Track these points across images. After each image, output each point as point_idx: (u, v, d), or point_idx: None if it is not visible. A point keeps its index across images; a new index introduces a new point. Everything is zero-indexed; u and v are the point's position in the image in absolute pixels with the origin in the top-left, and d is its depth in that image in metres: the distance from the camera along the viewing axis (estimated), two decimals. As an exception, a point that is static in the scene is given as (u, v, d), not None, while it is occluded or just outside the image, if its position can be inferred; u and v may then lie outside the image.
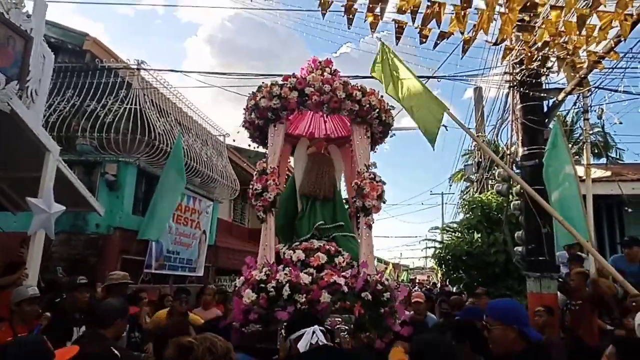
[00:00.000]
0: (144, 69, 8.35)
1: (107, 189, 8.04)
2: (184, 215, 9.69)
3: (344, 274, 4.49)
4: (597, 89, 6.21)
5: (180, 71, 9.50)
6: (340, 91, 4.86)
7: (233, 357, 1.78)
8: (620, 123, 7.07)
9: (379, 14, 4.52)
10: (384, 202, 5.06)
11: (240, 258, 13.46)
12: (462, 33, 4.66)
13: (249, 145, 6.19)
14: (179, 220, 9.48)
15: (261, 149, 6.20)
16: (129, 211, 8.36)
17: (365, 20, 4.68)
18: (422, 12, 4.55)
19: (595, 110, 6.84)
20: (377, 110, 5.07)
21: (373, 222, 4.92)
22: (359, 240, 5.05)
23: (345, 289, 4.29)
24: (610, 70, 5.49)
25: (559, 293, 5.84)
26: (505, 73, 7.10)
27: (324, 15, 4.53)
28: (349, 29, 4.71)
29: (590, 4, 3.92)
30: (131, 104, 7.96)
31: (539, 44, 4.84)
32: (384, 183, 5.04)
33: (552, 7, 4.17)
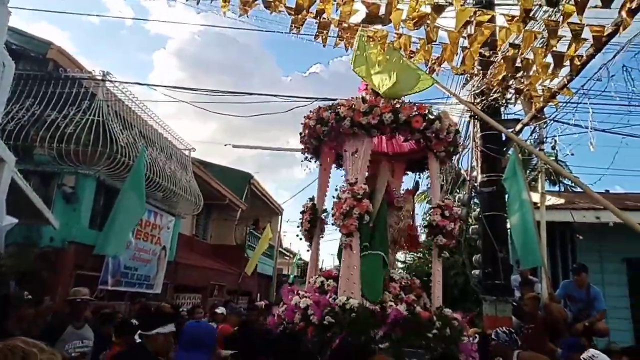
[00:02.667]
0: (110, 81, 8.21)
1: (64, 201, 7.78)
2: (144, 231, 9.45)
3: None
4: (552, 121, 6.54)
5: (147, 84, 9.42)
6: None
7: None
8: (572, 154, 7.45)
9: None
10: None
11: (201, 275, 13.29)
12: (427, 63, 4.86)
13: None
14: (139, 236, 9.24)
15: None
16: (85, 225, 8.09)
17: (336, 47, 4.83)
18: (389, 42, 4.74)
19: (549, 142, 7.18)
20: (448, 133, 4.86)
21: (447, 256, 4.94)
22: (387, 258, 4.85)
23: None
24: (564, 104, 5.81)
25: (513, 317, 6.03)
26: (469, 102, 7.38)
27: (298, 30, 4.57)
28: (324, 46, 4.81)
29: (546, 44, 4.17)
30: (94, 115, 7.79)
31: (499, 78, 5.10)
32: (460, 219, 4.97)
33: (511, 45, 4.41)
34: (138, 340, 3.09)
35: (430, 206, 5.02)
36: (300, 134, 5.29)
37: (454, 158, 5.30)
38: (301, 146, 5.49)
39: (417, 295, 4.69)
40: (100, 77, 8.13)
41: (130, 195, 7.79)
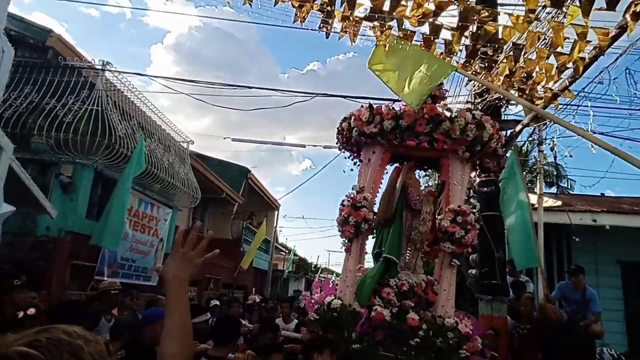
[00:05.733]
0: (109, 70, 8.15)
1: (61, 191, 7.74)
2: (141, 222, 9.42)
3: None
4: (552, 123, 6.54)
5: (147, 75, 9.34)
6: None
7: None
8: (571, 156, 7.48)
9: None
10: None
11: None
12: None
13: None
14: (136, 227, 9.21)
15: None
16: (82, 215, 8.06)
17: (340, 39, 4.81)
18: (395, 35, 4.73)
19: (548, 143, 7.19)
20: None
21: (458, 264, 4.64)
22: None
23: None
24: (565, 106, 5.81)
25: (508, 317, 6.05)
26: (467, 102, 7.38)
27: (303, 20, 4.54)
28: (327, 38, 4.80)
29: (549, 44, 4.17)
30: (93, 105, 7.73)
31: (501, 77, 5.09)
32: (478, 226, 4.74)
33: (514, 45, 4.41)
34: None
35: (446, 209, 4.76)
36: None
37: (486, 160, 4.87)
38: (297, 142, 5.53)
39: (425, 302, 4.54)
40: (100, 67, 8.07)
41: (125, 186, 7.75)
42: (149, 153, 8.82)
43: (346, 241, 4.74)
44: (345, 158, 5.33)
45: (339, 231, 4.78)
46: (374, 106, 4.80)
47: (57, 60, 7.92)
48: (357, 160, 5.21)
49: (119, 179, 7.78)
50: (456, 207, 4.55)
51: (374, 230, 5.11)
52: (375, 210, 4.93)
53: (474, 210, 4.62)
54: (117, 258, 8.60)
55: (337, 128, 5.08)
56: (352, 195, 4.75)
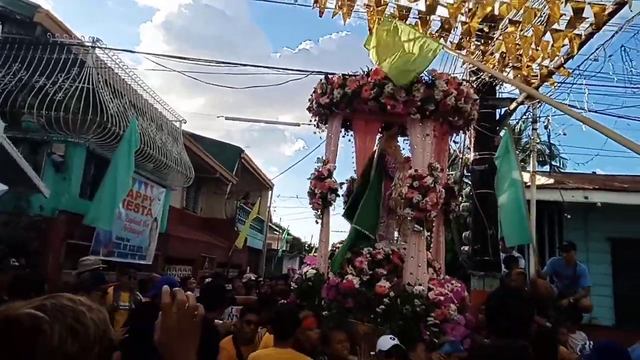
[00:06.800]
0: (100, 47, 8.00)
1: (54, 170, 7.67)
2: (134, 202, 9.39)
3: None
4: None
5: (138, 52, 9.18)
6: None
7: (113, 335, 1.00)
8: (564, 134, 7.51)
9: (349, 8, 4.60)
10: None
11: (191, 247, 13.32)
12: (426, 34, 4.81)
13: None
14: (130, 207, 9.19)
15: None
16: (76, 194, 8.02)
17: (333, 17, 4.75)
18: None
19: (543, 121, 7.22)
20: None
21: (421, 229, 4.52)
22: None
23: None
24: (559, 84, 5.82)
25: (500, 292, 6.16)
26: (462, 80, 7.35)
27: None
28: (320, 16, 4.75)
29: (545, 21, 4.15)
30: (83, 83, 7.61)
31: (497, 54, 5.07)
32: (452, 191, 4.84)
33: (511, 22, 4.37)
34: None
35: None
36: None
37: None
38: (292, 121, 5.64)
39: (401, 270, 4.57)
40: (90, 44, 7.91)
41: (119, 166, 7.70)
42: (142, 132, 8.74)
43: (318, 213, 4.84)
44: (314, 133, 5.45)
45: (310, 204, 4.90)
46: (329, 77, 4.86)
47: (45, 37, 7.75)
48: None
49: (112, 158, 7.73)
50: (413, 171, 4.47)
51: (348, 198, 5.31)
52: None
53: (435, 172, 4.50)
54: (112, 237, 8.59)
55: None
56: (318, 168, 4.84)
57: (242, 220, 16.73)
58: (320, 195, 4.72)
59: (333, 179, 4.79)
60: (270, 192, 21.42)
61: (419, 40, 4.19)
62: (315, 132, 5.32)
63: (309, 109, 5.19)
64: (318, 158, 4.95)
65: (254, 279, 10.94)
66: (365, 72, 4.64)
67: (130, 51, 13.17)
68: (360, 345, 3.66)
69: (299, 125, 13.94)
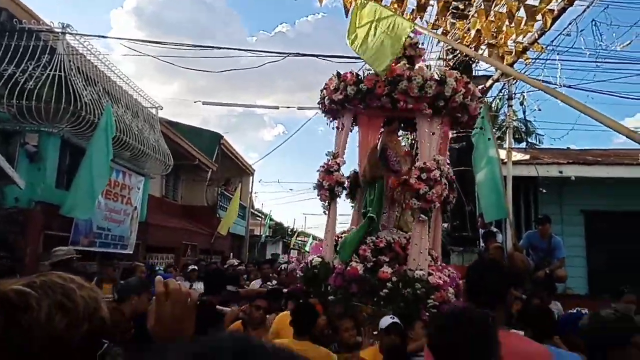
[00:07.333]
0: (70, 34, 7.78)
1: (28, 161, 7.49)
2: (113, 191, 9.27)
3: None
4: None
5: (111, 37, 8.89)
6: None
7: (104, 314, 1.00)
8: (539, 110, 7.66)
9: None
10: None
11: (172, 235, 13.23)
12: (402, 13, 4.82)
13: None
14: (109, 196, 9.06)
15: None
16: (52, 184, 7.87)
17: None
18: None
19: (518, 98, 7.34)
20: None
21: (426, 219, 4.76)
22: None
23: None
24: (533, 61, 5.92)
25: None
26: (439, 59, 7.41)
27: None
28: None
29: (519, -3, 4.20)
30: (55, 71, 7.41)
31: (472, 32, 5.12)
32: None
33: (485, -2, 4.42)
34: None
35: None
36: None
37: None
38: (273, 103, 5.68)
39: (403, 257, 4.78)
40: (59, 30, 7.68)
41: (96, 155, 7.57)
42: (117, 119, 8.58)
43: (326, 204, 5.05)
44: (327, 124, 5.57)
45: (317, 196, 5.11)
46: (341, 73, 4.97)
47: (12, 22, 7.49)
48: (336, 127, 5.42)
49: (87, 146, 7.58)
50: (422, 164, 4.68)
51: (362, 190, 5.43)
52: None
53: (442, 166, 4.75)
54: (92, 227, 8.48)
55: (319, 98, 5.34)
56: (327, 161, 5.04)
57: (224, 207, 16.66)
58: (328, 188, 4.92)
59: (341, 172, 5.02)
60: (251, 177, 21.33)
61: (391, 20, 4.20)
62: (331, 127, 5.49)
63: (320, 104, 5.36)
64: (328, 152, 5.13)
65: (236, 264, 10.99)
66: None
67: (103, 36, 12.75)
68: (364, 327, 3.92)
69: (277, 109, 13.80)
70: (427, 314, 4.27)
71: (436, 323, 1.62)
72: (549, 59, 5.61)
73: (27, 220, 7.27)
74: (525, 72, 6.45)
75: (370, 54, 4.39)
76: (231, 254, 17.94)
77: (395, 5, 5.08)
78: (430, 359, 1.66)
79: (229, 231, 15.52)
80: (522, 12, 4.57)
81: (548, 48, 5.41)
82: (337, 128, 5.26)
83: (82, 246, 8.16)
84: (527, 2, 4.26)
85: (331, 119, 5.40)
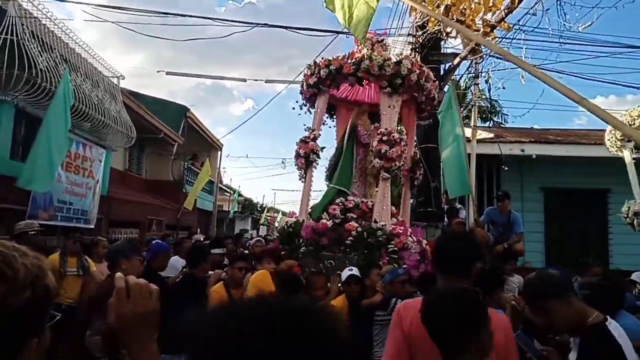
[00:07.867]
0: (22, -5, 7.31)
1: (-21, 131, 7.11)
2: (74, 163, 8.93)
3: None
4: (487, 56, 6.73)
5: (69, 0, 8.32)
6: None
7: (49, 282, 0.98)
8: (504, 88, 7.79)
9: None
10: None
11: (136, 210, 12.94)
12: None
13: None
14: (69, 169, 8.73)
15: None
16: (6, 155, 7.51)
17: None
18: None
19: (484, 76, 7.43)
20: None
21: (388, 177, 5.43)
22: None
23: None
24: (500, 39, 5.97)
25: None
26: (409, 35, 7.38)
27: None
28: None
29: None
30: (6, 34, 6.96)
31: (442, 7, 5.11)
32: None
33: (454, -28, 4.39)
34: None
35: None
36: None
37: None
38: (241, 77, 6.33)
39: (369, 216, 5.37)
40: (10, -10, 7.20)
41: (54, 124, 7.23)
42: (76, 88, 8.21)
43: (302, 172, 5.74)
44: (301, 108, 6.27)
45: (295, 164, 5.84)
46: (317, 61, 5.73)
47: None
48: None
49: (44, 116, 7.23)
50: (383, 129, 5.43)
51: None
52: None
53: (402, 135, 5.49)
54: (53, 200, 8.18)
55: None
56: (305, 136, 5.78)
57: (191, 182, 16.39)
58: (304, 156, 5.63)
59: (316, 143, 5.76)
60: (219, 152, 21.00)
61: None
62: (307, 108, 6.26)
63: (301, 92, 6.08)
64: (306, 127, 5.91)
65: (202, 239, 10.88)
66: (347, 54, 5.62)
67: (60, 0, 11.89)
68: (332, 274, 4.48)
69: (245, 81, 13.61)
70: (387, 258, 4.78)
71: (430, 301, 1.69)
72: (515, 38, 5.68)
73: (-21, 192, 6.94)
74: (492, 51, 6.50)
75: (351, 22, 4.45)
76: (198, 229, 17.76)
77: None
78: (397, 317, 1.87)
79: (195, 206, 15.31)
80: (490, -11, 4.57)
81: (514, 27, 5.46)
82: (315, 109, 5.98)
83: (42, 220, 7.87)
84: (495, -21, 4.26)
85: (312, 105, 6.08)
